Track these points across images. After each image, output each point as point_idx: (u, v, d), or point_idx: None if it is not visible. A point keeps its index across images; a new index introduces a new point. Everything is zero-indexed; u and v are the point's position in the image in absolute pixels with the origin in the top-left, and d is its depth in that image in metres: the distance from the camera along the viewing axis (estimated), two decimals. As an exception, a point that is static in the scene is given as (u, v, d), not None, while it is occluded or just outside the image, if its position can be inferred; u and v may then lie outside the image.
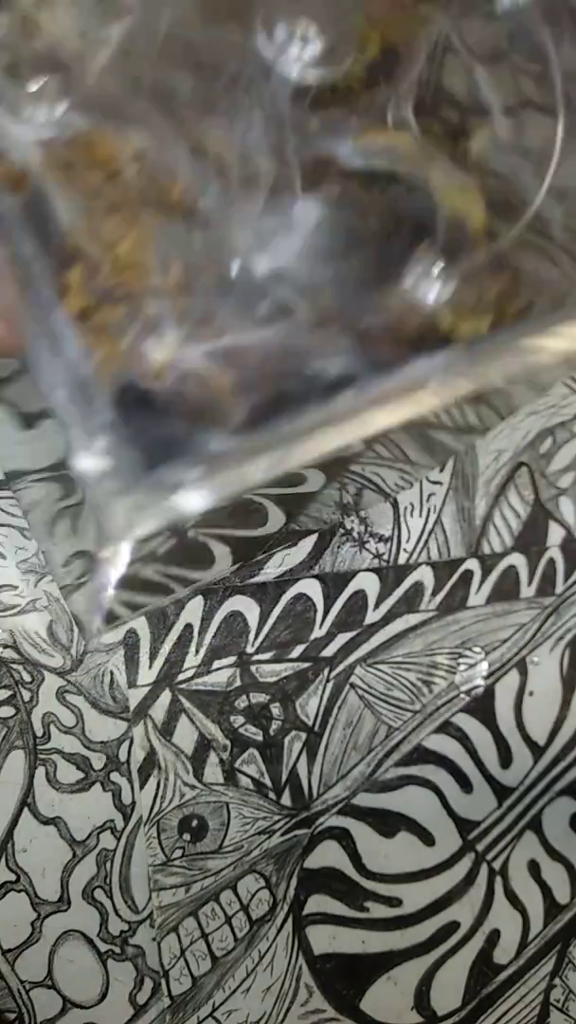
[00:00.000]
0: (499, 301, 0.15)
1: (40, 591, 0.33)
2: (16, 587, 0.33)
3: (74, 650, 0.33)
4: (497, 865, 0.36)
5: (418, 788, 0.36)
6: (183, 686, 0.34)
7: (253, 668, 0.34)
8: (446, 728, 0.36)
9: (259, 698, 0.34)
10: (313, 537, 0.36)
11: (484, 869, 0.36)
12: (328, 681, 0.35)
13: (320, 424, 0.14)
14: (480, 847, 0.36)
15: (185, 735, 0.34)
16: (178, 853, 0.33)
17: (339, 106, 0.16)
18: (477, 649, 0.37)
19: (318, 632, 0.35)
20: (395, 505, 0.37)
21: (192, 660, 0.34)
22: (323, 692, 0.35)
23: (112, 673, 0.33)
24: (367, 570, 0.36)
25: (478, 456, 0.38)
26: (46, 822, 0.32)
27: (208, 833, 0.33)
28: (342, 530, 0.36)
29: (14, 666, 0.33)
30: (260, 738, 0.34)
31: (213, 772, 0.34)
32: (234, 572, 0.34)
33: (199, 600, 0.34)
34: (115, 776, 0.33)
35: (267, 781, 0.34)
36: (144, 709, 0.33)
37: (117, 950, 0.33)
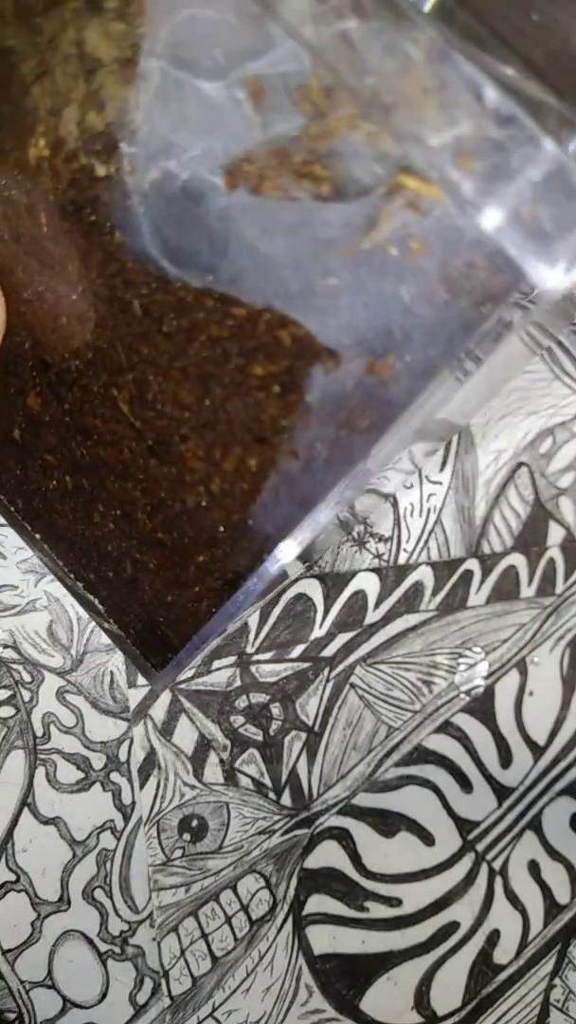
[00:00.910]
0: None
1: (40, 591, 0.33)
2: (16, 587, 0.33)
3: (74, 650, 0.33)
4: (497, 865, 0.36)
5: (418, 788, 0.36)
6: (183, 686, 0.34)
7: (253, 668, 0.34)
8: (446, 728, 0.36)
9: (259, 698, 0.34)
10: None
11: (484, 869, 0.36)
12: (328, 681, 0.35)
13: None
14: (480, 847, 0.36)
15: (185, 735, 0.34)
16: (178, 853, 0.33)
17: None
18: (477, 649, 0.37)
19: (318, 632, 0.35)
20: (395, 505, 0.37)
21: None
22: (323, 692, 0.35)
23: (112, 673, 0.33)
24: (367, 570, 0.36)
25: (478, 456, 0.38)
26: (46, 822, 0.32)
27: (208, 833, 0.33)
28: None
29: (14, 666, 0.33)
30: (260, 738, 0.34)
31: (213, 772, 0.34)
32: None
33: (199, 600, 0.34)
34: (115, 776, 0.33)
35: (267, 781, 0.34)
36: (144, 709, 0.33)
37: (117, 950, 0.33)
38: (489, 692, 0.37)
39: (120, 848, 0.33)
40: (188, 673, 0.34)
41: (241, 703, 0.34)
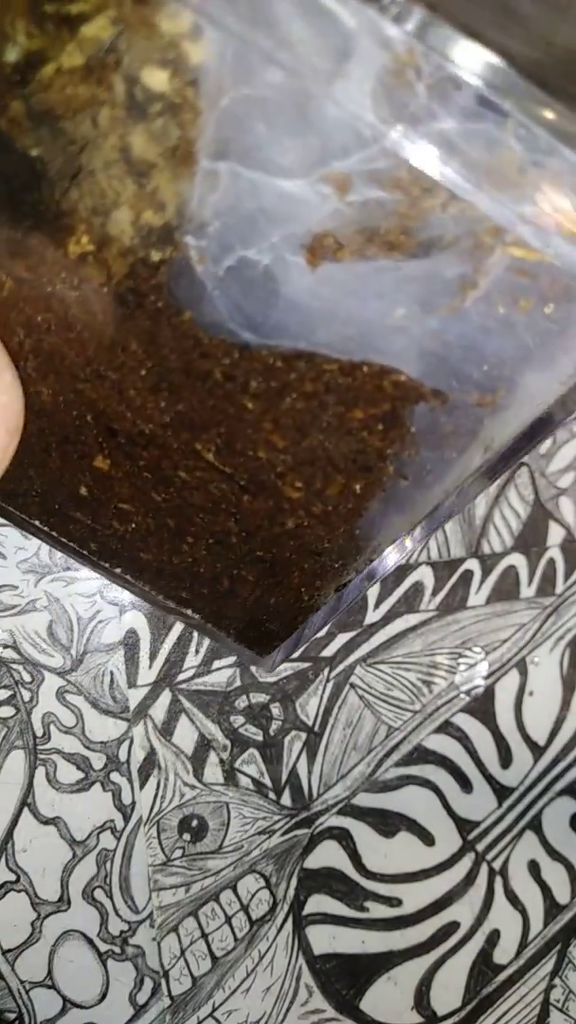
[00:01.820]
0: None
1: (40, 591, 0.33)
2: (16, 587, 0.33)
3: (74, 650, 0.33)
4: (497, 865, 0.36)
5: (418, 788, 0.36)
6: (183, 686, 0.34)
7: (253, 668, 0.34)
8: (446, 728, 0.36)
9: (259, 698, 0.34)
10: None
11: (484, 869, 0.36)
12: (328, 681, 0.35)
13: None
14: (480, 847, 0.36)
15: (185, 735, 0.34)
16: (178, 853, 0.33)
17: None
18: (477, 649, 0.37)
19: (318, 632, 0.35)
20: (395, 505, 0.37)
21: (192, 660, 0.34)
22: (323, 692, 0.35)
23: (112, 673, 0.33)
24: (367, 570, 0.36)
25: (478, 456, 0.38)
26: (46, 822, 0.32)
27: (208, 833, 0.33)
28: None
29: (14, 666, 0.33)
30: (260, 738, 0.34)
31: (213, 772, 0.34)
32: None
33: (199, 600, 0.34)
34: (115, 776, 0.33)
35: (267, 781, 0.34)
36: (144, 709, 0.33)
37: (117, 950, 0.33)
38: (489, 692, 0.37)
39: (120, 848, 0.33)
40: (188, 673, 0.34)
41: (241, 703, 0.34)
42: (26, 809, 0.32)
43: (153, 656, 0.34)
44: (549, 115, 0.12)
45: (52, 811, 0.33)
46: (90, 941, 0.32)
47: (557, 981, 0.36)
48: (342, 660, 0.35)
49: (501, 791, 0.36)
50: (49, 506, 0.19)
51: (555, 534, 0.38)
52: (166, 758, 0.33)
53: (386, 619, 0.36)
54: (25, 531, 0.20)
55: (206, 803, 0.34)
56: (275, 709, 0.34)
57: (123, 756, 0.33)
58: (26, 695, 0.33)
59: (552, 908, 0.37)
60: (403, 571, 0.36)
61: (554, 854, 0.37)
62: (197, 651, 0.34)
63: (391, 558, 0.18)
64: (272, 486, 0.17)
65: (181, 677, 0.34)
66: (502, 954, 0.36)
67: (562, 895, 0.37)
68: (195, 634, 0.34)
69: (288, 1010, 0.34)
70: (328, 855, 0.35)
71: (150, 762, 0.33)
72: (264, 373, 0.15)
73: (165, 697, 0.34)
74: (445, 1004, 0.35)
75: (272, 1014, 0.33)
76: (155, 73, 0.12)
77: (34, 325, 0.15)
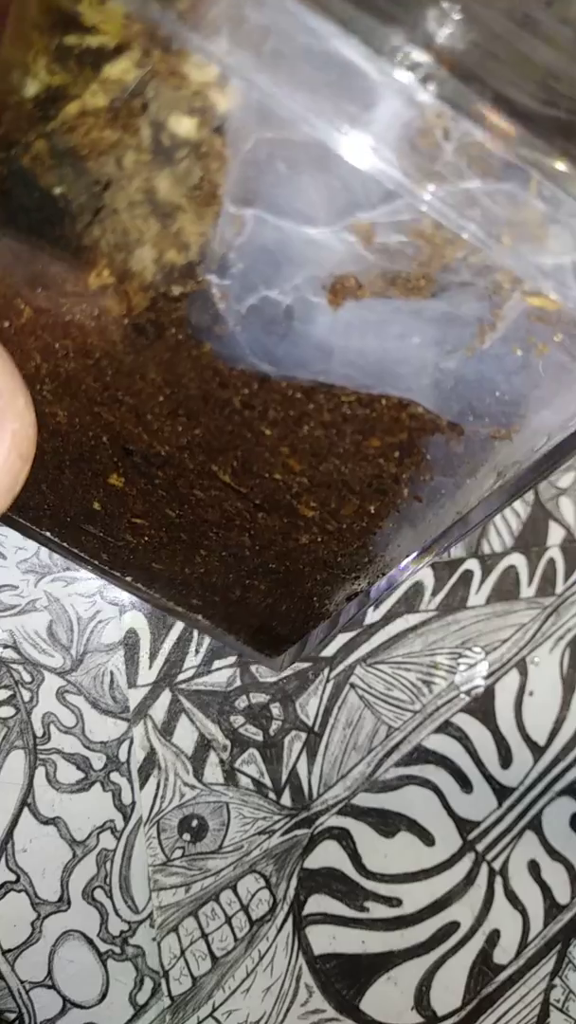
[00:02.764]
0: None
1: (40, 591, 0.33)
2: (16, 587, 0.33)
3: (74, 650, 0.33)
4: (497, 865, 0.36)
5: (418, 788, 0.36)
6: (183, 686, 0.34)
7: (253, 668, 0.34)
8: (446, 728, 0.36)
9: (259, 698, 0.34)
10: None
11: (484, 869, 0.36)
12: (328, 681, 0.35)
13: None
14: (480, 847, 0.36)
15: (185, 735, 0.34)
16: (178, 853, 0.33)
17: None
18: (477, 649, 0.37)
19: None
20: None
21: (192, 660, 0.34)
22: (323, 692, 0.35)
23: (112, 673, 0.33)
24: (367, 570, 0.36)
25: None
26: (46, 822, 0.32)
27: (208, 833, 0.33)
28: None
29: (14, 666, 0.33)
30: (260, 738, 0.34)
31: (213, 772, 0.34)
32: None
33: (199, 600, 0.34)
34: (115, 776, 0.33)
35: (267, 781, 0.34)
36: (144, 709, 0.33)
37: (117, 950, 0.33)
38: (489, 692, 0.37)
39: (120, 848, 0.33)
40: (188, 673, 0.34)
41: (241, 703, 0.34)
42: (26, 809, 0.32)
43: (153, 656, 0.34)
44: (572, 177, 0.12)
45: (52, 811, 0.33)
46: (90, 941, 0.32)
47: (557, 981, 0.36)
48: (342, 660, 0.35)
49: (501, 791, 0.36)
50: (60, 519, 0.19)
51: (555, 534, 0.38)
52: (166, 758, 0.33)
53: (386, 619, 0.36)
54: (35, 541, 0.20)
55: (206, 803, 0.34)
56: (275, 709, 0.34)
57: (123, 756, 0.33)
58: (26, 695, 0.33)
59: (552, 908, 0.37)
60: (403, 571, 0.36)
61: (554, 854, 0.37)
62: (197, 651, 0.34)
63: (405, 570, 0.19)
64: (287, 505, 0.17)
65: (181, 677, 0.34)
66: (502, 954, 0.36)
67: (562, 895, 0.37)
68: (195, 634, 0.34)
69: (288, 1010, 0.34)
70: (328, 855, 0.35)
71: (150, 762, 0.33)
72: (283, 403, 0.15)
73: (165, 697, 0.34)
74: (445, 1004, 0.35)
75: (272, 1014, 0.33)
76: (182, 120, 0.12)
77: (51, 351, 0.15)
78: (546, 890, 0.37)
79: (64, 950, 0.32)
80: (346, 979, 0.34)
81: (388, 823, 0.35)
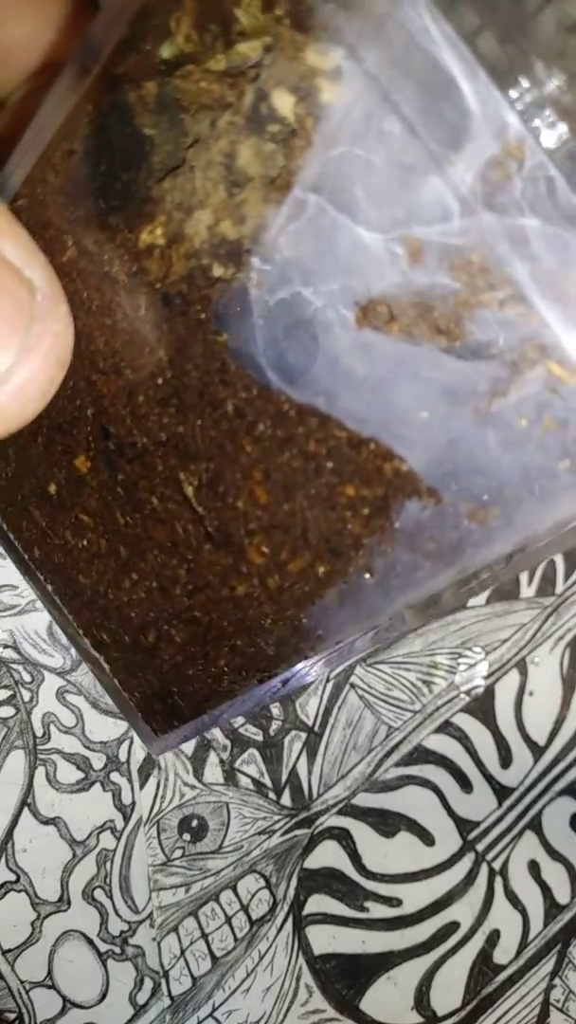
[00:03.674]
0: None
1: (40, 591, 0.33)
2: (16, 587, 0.33)
3: (74, 650, 0.33)
4: (497, 865, 0.36)
5: (418, 788, 0.36)
6: (183, 686, 0.34)
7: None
8: (446, 728, 0.36)
9: (259, 698, 0.34)
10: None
11: (484, 869, 0.36)
12: (328, 681, 0.35)
13: None
14: (480, 847, 0.36)
15: (185, 735, 0.34)
16: (178, 853, 0.33)
17: None
18: (477, 649, 0.37)
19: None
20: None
21: (192, 660, 0.34)
22: (323, 692, 0.35)
23: (112, 673, 0.33)
24: (367, 570, 0.36)
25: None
26: (46, 822, 0.32)
27: (208, 833, 0.33)
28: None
29: (14, 666, 0.33)
30: (260, 738, 0.34)
31: (213, 772, 0.34)
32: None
33: (199, 600, 0.34)
34: (115, 776, 0.33)
35: (267, 781, 0.34)
36: (144, 709, 0.33)
37: (117, 950, 0.33)
38: (489, 692, 0.37)
39: (120, 848, 0.33)
40: (188, 673, 0.34)
41: (241, 703, 0.34)
42: (26, 809, 0.32)
43: (153, 656, 0.34)
44: None
45: (52, 811, 0.33)
46: (90, 941, 0.32)
47: (557, 981, 0.36)
48: (342, 660, 0.35)
49: (501, 791, 0.37)
50: (12, 495, 0.19)
51: (555, 534, 0.38)
52: (166, 758, 0.33)
53: (386, 619, 0.36)
54: None
55: (206, 803, 0.34)
56: (275, 709, 0.34)
57: (123, 756, 0.33)
58: (26, 695, 0.33)
59: (552, 908, 0.37)
60: (403, 571, 0.36)
61: (554, 854, 0.37)
62: (197, 651, 0.34)
63: (314, 669, 0.18)
64: (238, 542, 0.16)
65: (181, 677, 0.34)
66: (502, 954, 0.36)
67: (562, 895, 0.37)
68: (195, 634, 0.34)
69: (288, 1010, 0.34)
70: (328, 855, 0.35)
71: (150, 762, 0.33)
72: (274, 419, 0.15)
73: (165, 697, 0.34)
74: (445, 1004, 0.35)
75: (272, 1014, 0.34)
76: (285, 96, 0.13)
77: (78, 300, 0.16)
78: (546, 890, 0.37)
79: (64, 950, 0.32)
80: (346, 979, 0.34)
81: (388, 823, 0.35)
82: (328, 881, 0.35)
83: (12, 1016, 0.32)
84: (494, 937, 0.36)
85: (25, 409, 0.13)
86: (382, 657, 0.36)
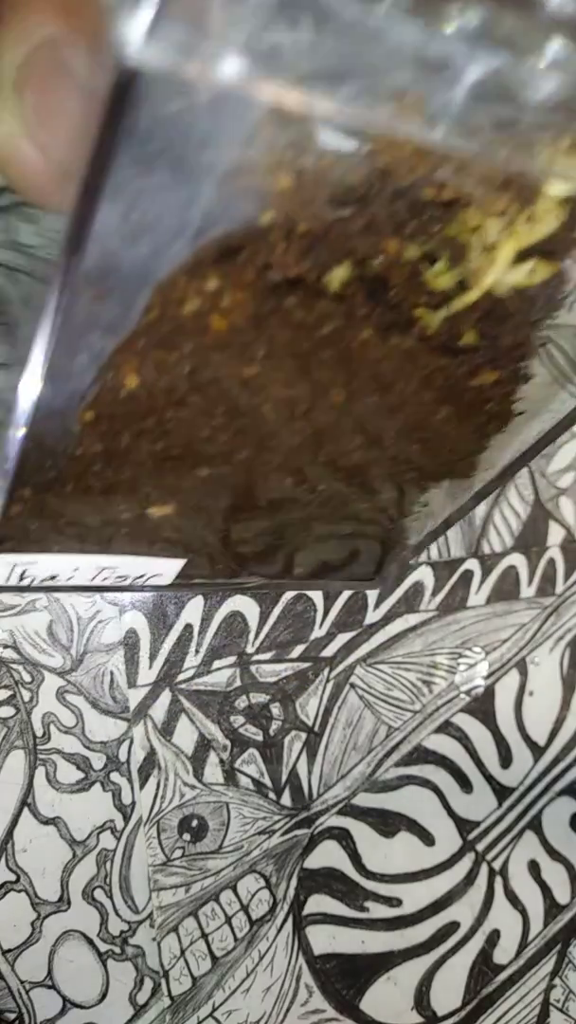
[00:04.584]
0: None
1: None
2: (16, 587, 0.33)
3: (74, 650, 0.33)
4: (497, 865, 0.36)
5: (418, 788, 0.36)
6: (183, 686, 0.34)
7: (253, 668, 0.34)
8: (446, 728, 0.36)
9: (259, 698, 0.34)
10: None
11: (484, 869, 0.36)
12: (328, 681, 0.35)
13: None
14: (480, 847, 0.36)
15: (185, 735, 0.34)
16: (178, 853, 0.33)
17: None
18: (477, 649, 0.37)
19: (318, 632, 0.35)
20: (395, 505, 0.37)
21: (192, 660, 0.34)
22: (323, 692, 0.35)
23: (112, 673, 0.33)
24: (367, 570, 0.36)
25: (478, 456, 0.38)
26: (46, 822, 0.32)
27: (208, 833, 0.33)
28: (342, 530, 0.36)
29: (14, 666, 0.33)
30: (260, 738, 0.34)
31: (213, 772, 0.34)
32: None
33: (199, 600, 0.34)
34: (115, 776, 0.33)
35: (267, 781, 0.34)
36: (144, 709, 0.33)
37: (117, 950, 0.33)
38: (489, 692, 0.37)
39: (120, 848, 0.33)
40: (188, 673, 0.34)
41: (241, 703, 0.34)
42: (26, 809, 0.32)
43: (153, 656, 0.34)
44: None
45: (52, 811, 0.32)
46: (90, 941, 0.32)
47: (557, 981, 0.36)
48: (342, 660, 0.35)
49: (501, 791, 0.36)
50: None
51: (555, 534, 0.38)
52: (166, 758, 0.33)
53: (386, 619, 0.36)
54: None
55: (206, 803, 0.34)
56: (275, 709, 0.34)
57: (123, 756, 0.33)
58: (26, 695, 0.33)
59: (552, 908, 0.37)
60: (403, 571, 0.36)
61: (554, 854, 0.37)
62: (197, 651, 0.34)
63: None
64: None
65: (181, 677, 0.34)
66: (502, 954, 0.36)
67: (562, 895, 0.37)
68: (195, 634, 0.34)
69: (288, 1010, 0.34)
70: (328, 855, 0.35)
71: (150, 762, 0.33)
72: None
73: (165, 697, 0.34)
74: (445, 1004, 0.35)
75: (272, 1014, 0.33)
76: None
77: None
78: (546, 890, 0.37)
79: (64, 950, 0.32)
80: (346, 979, 0.34)
81: (388, 823, 0.35)
82: (328, 881, 0.35)
83: (12, 1016, 0.32)
84: (494, 937, 0.36)
85: None
86: (382, 657, 0.36)
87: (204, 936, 0.33)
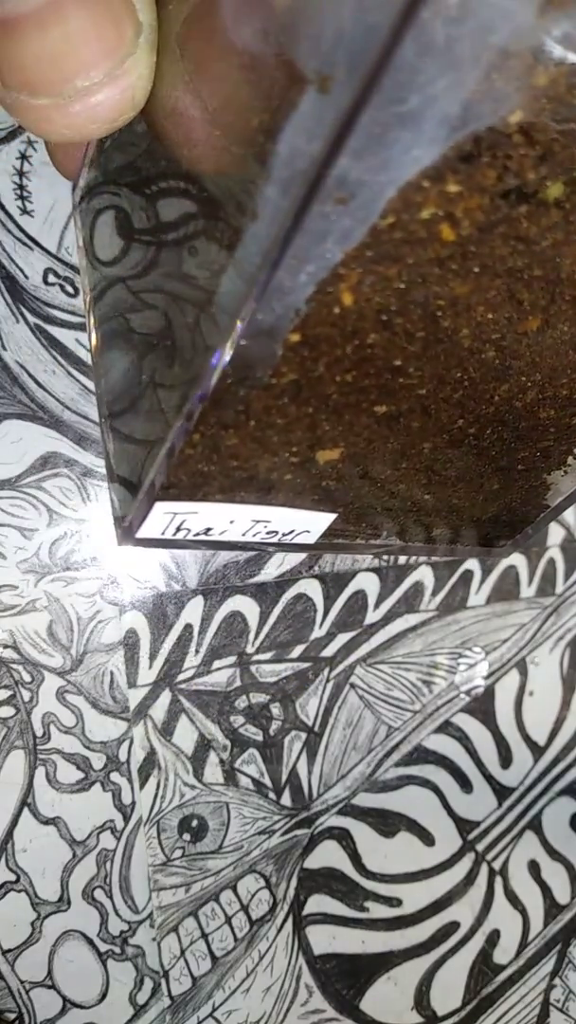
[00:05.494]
0: None
1: (40, 591, 0.33)
2: (16, 587, 0.33)
3: (74, 650, 0.33)
4: (497, 865, 0.36)
5: (418, 788, 0.36)
6: (183, 686, 0.34)
7: (253, 668, 0.34)
8: (446, 728, 0.36)
9: (259, 698, 0.34)
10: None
11: (484, 869, 0.36)
12: (328, 681, 0.35)
13: None
14: (480, 847, 0.36)
15: (185, 735, 0.34)
16: (178, 853, 0.33)
17: None
18: (477, 649, 0.37)
19: (318, 632, 0.35)
20: (395, 505, 0.37)
21: (192, 660, 0.34)
22: (323, 692, 0.35)
23: (112, 673, 0.33)
24: (367, 570, 0.36)
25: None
26: (46, 822, 0.32)
27: (208, 833, 0.33)
28: (342, 530, 0.36)
29: (14, 666, 0.33)
30: (260, 738, 0.34)
31: (213, 772, 0.34)
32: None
33: (199, 600, 0.34)
34: (115, 776, 0.33)
35: (267, 781, 0.34)
36: (144, 709, 0.33)
37: (117, 950, 0.33)
38: (489, 692, 0.37)
39: (120, 848, 0.33)
40: (188, 673, 0.34)
41: (241, 703, 0.34)
42: (26, 809, 0.32)
43: (153, 656, 0.34)
44: None
45: (52, 811, 0.33)
46: (90, 941, 0.32)
47: (557, 981, 0.36)
48: (342, 660, 0.35)
49: (501, 791, 0.37)
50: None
51: (555, 534, 0.38)
52: (166, 758, 0.33)
53: (386, 619, 0.36)
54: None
55: (206, 803, 0.34)
56: (275, 709, 0.34)
57: (123, 756, 0.33)
58: (26, 695, 0.33)
59: (552, 908, 0.37)
60: (403, 571, 0.36)
61: (554, 854, 0.37)
62: (197, 651, 0.34)
63: None
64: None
65: (181, 677, 0.34)
66: (502, 954, 0.36)
67: (562, 895, 0.37)
68: (195, 634, 0.34)
69: (288, 1010, 0.34)
70: (328, 855, 0.35)
71: (150, 762, 0.33)
72: None
73: (165, 697, 0.34)
74: (445, 1004, 0.35)
75: (272, 1014, 0.34)
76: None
77: None
78: (546, 890, 0.37)
79: (64, 950, 0.32)
80: (346, 979, 0.34)
81: (388, 823, 0.35)
82: (328, 881, 0.35)
83: (12, 1016, 0.32)
84: (494, 937, 0.36)
85: (89, 126, 0.14)
86: (382, 657, 0.36)
87: (204, 936, 0.33)
